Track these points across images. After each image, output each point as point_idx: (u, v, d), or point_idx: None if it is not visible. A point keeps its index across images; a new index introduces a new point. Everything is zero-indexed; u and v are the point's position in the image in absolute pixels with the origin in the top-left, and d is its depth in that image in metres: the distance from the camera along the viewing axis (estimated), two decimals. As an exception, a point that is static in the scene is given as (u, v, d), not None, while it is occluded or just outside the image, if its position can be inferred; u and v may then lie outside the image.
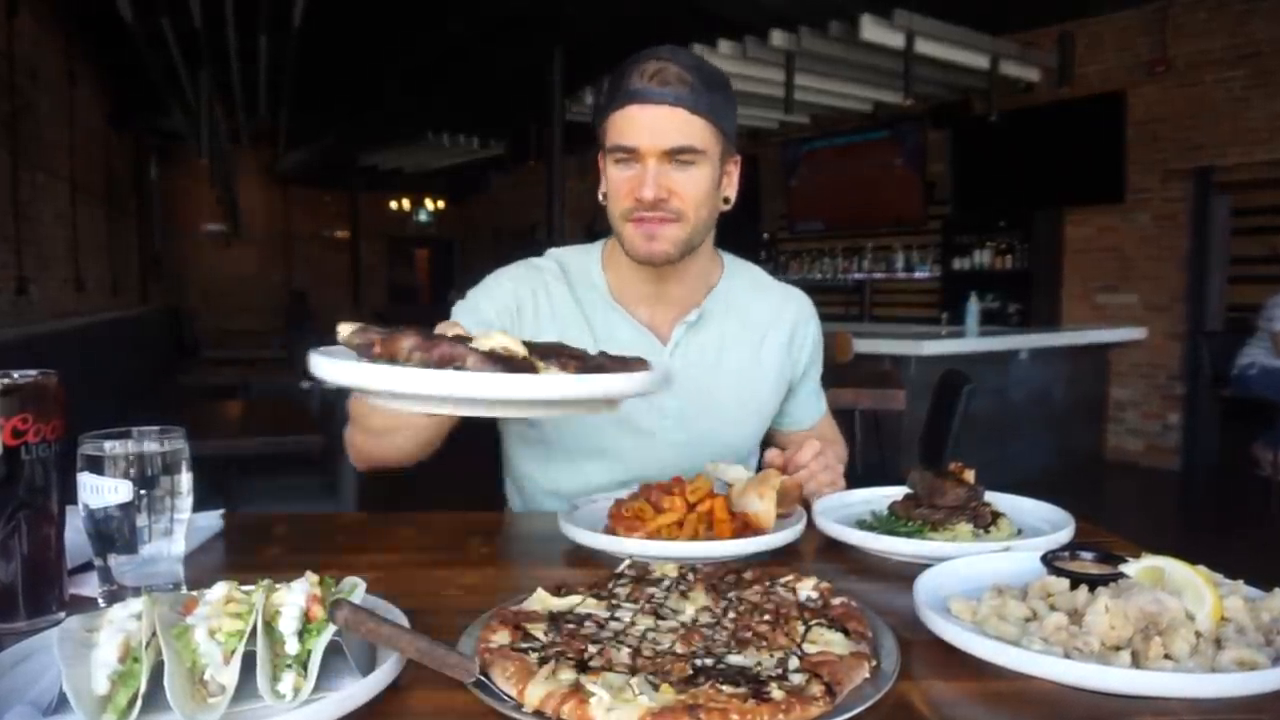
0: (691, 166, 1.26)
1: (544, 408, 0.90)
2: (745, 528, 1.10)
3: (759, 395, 1.47)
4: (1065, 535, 1.06)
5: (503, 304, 1.39)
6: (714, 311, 1.44)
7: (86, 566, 0.94)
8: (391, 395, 0.84)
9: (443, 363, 0.81)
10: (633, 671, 0.68)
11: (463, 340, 0.84)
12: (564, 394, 0.81)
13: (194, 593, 0.73)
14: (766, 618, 0.79)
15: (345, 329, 0.91)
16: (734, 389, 1.43)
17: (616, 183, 1.30)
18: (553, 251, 1.48)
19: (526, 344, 0.89)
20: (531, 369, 0.83)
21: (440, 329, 0.96)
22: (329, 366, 0.83)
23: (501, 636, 0.74)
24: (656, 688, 0.65)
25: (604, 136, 1.30)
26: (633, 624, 0.78)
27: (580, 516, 1.18)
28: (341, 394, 1.82)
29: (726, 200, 1.37)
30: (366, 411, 1.24)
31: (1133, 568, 0.83)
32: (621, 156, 1.28)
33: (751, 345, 1.46)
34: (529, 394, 0.79)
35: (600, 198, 1.35)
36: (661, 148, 1.24)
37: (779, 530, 1.10)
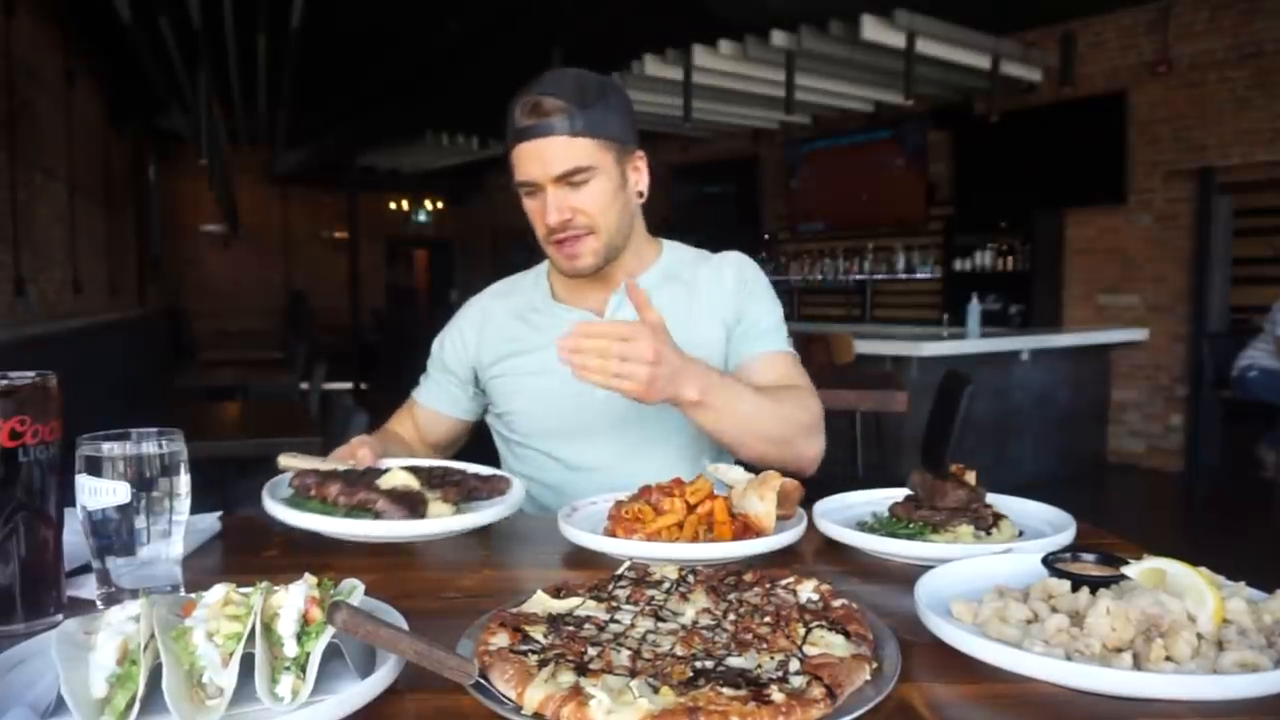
0: (586, 183, 1.38)
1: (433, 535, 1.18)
2: (745, 529, 1.10)
3: (706, 342, 1.48)
4: (1067, 537, 1.06)
5: (455, 340, 1.61)
6: (650, 282, 1.52)
7: (84, 569, 0.94)
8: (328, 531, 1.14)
9: (360, 505, 1.12)
10: (632, 674, 0.68)
11: (375, 473, 1.19)
12: (448, 529, 1.14)
13: (192, 595, 0.73)
14: (767, 620, 0.79)
15: (286, 460, 1.25)
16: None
17: (530, 213, 1.44)
18: (507, 279, 1.68)
19: (420, 471, 1.21)
20: (423, 503, 1.13)
21: (359, 457, 1.30)
22: (282, 512, 1.13)
23: (501, 639, 0.74)
24: (656, 690, 0.65)
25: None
26: (632, 626, 0.78)
27: (580, 518, 1.18)
28: (338, 394, 2.01)
29: (640, 194, 1.50)
30: None
31: (1134, 569, 0.83)
32: (526, 190, 1.41)
33: (692, 301, 1.52)
34: (422, 532, 1.12)
35: None
36: (552, 175, 1.36)
37: (779, 532, 1.10)
